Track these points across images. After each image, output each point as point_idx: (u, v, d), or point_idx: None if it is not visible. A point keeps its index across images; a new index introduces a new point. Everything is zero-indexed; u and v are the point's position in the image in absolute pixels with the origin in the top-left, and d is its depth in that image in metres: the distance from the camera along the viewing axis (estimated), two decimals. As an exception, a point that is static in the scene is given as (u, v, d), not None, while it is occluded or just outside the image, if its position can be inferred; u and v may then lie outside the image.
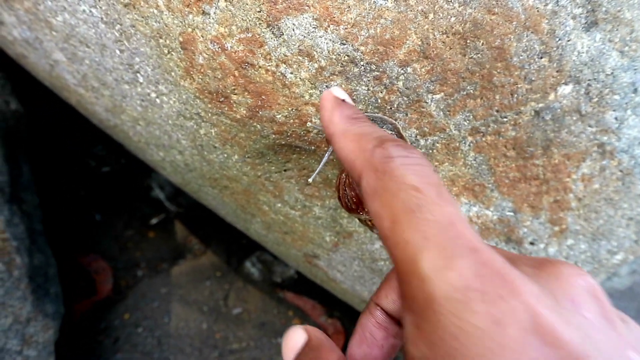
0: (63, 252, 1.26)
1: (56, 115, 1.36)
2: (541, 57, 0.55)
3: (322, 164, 0.55)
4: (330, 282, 0.89)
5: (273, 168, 0.67)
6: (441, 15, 0.52)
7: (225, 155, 0.67)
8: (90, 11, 0.61)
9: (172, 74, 0.61)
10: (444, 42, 0.53)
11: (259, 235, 0.86)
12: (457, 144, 0.61)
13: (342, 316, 1.16)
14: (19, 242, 0.90)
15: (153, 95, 0.65)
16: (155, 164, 0.86)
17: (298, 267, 0.94)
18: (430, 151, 0.61)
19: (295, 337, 0.38)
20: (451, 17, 0.52)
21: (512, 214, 0.66)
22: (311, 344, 0.38)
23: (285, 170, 0.67)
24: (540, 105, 0.58)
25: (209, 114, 0.62)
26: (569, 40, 0.54)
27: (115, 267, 1.29)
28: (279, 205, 0.73)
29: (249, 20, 0.53)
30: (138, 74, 0.64)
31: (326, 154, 0.57)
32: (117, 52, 0.63)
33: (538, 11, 0.53)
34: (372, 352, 0.42)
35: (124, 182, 1.45)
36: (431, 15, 0.52)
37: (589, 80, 0.57)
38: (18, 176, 1.07)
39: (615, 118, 0.60)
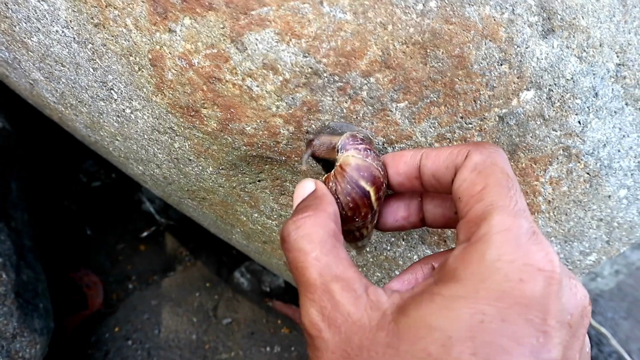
0: (54, 267, 1.27)
1: (46, 131, 1.38)
2: (501, 64, 0.56)
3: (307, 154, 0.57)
4: (313, 290, 0.90)
5: (247, 179, 0.68)
6: (400, 26, 0.53)
7: (200, 167, 0.69)
8: (63, 32, 0.62)
9: (144, 90, 0.62)
10: (404, 52, 0.55)
11: (241, 245, 0.87)
12: (425, 151, 0.62)
13: (330, 324, 1.17)
14: (5, 258, 0.91)
15: (128, 111, 0.67)
16: (137, 178, 0.88)
17: (281, 275, 0.95)
18: (399, 158, 0.63)
19: (306, 186, 0.48)
20: (410, 27, 0.54)
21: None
22: (316, 193, 0.47)
23: (259, 181, 0.68)
24: (504, 110, 0.59)
25: (182, 128, 0.63)
26: (527, 47, 0.56)
27: (107, 281, 1.30)
28: (256, 215, 0.74)
29: (214, 37, 0.54)
30: (112, 91, 0.66)
31: (305, 155, 0.57)
32: (91, 70, 0.65)
33: (495, 20, 0.54)
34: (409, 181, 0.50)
35: (115, 196, 1.46)
36: (390, 27, 0.53)
37: (550, 85, 0.58)
38: (7, 194, 1.09)
39: (579, 122, 0.61)
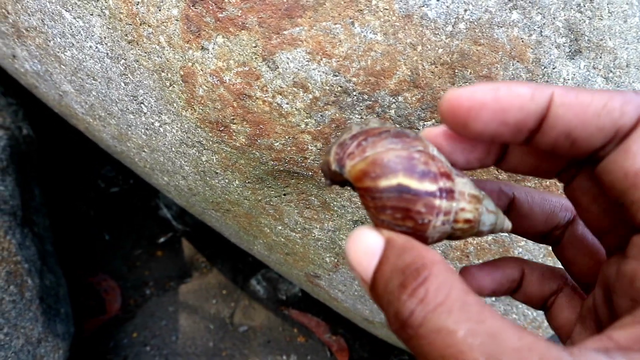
0: (73, 271, 1.29)
1: (66, 138, 1.40)
2: (528, 84, 0.57)
3: None
4: (333, 301, 0.91)
5: (273, 192, 0.69)
6: (429, 47, 0.54)
7: (227, 180, 0.70)
8: (97, 47, 0.64)
9: (174, 104, 0.63)
10: (432, 72, 0.56)
11: (262, 255, 0.89)
12: (450, 168, 0.63)
13: (346, 333, 1.18)
14: (31, 264, 0.93)
15: (157, 124, 0.68)
16: (160, 188, 0.89)
17: (301, 285, 0.96)
18: (424, 175, 0.63)
19: (366, 239, 0.29)
20: (439, 48, 0.54)
21: (506, 234, 0.68)
22: (393, 244, 0.28)
23: (284, 195, 0.69)
24: (529, 129, 0.60)
25: (210, 142, 0.65)
26: (554, 68, 0.56)
27: (124, 286, 1.32)
28: (280, 227, 0.75)
29: (246, 55, 0.55)
30: (142, 105, 0.67)
31: None
32: (122, 84, 0.66)
33: (523, 41, 0.55)
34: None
35: (132, 202, 1.48)
36: (419, 47, 0.54)
37: (576, 105, 0.59)
38: (30, 199, 1.11)
39: (604, 140, 0.61)
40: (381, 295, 0.26)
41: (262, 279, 1.29)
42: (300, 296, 1.25)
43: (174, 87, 0.62)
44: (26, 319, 0.86)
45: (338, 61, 0.55)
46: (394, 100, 0.57)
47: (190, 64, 0.58)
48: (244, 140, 0.62)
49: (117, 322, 1.22)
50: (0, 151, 1.02)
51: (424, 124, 0.59)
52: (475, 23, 0.53)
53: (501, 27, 0.54)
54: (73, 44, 0.66)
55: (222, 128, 0.62)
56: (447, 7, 0.53)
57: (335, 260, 0.76)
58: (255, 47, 0.55)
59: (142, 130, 0.72)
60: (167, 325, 1.20)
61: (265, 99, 0.58)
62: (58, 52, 0.69)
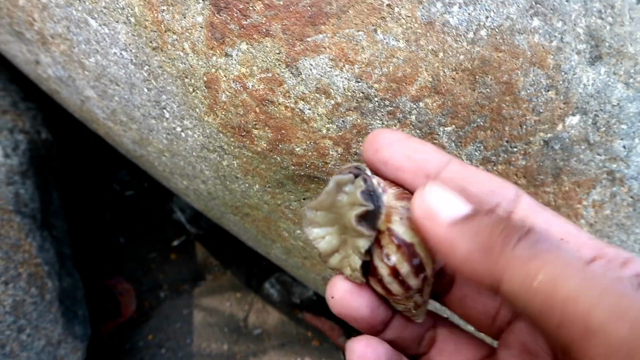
0: (89, 274, 1.30)
1: (82, 141, 1.42)
2: (548, 90, 0.57)
3: None
4: (348, 305, 0.91)
5: (292, 197, 0.70)
6: (450, 53, 0.55)
7: (247, 185, 0.71)
8: (121, 54, 0.65)
9: (197, 110, 0.64)
10: (453, 79, 0.56)
11: (279, 259, 0.89)
12: (469, 173, 0.63)
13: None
14: (50, 266, 0.94)
15: (178, 129, 0.69)
16: (179, 192, 0.90)
17: (317, 289, 0.97)
18: (443, 180, 0.64)
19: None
20: (460, 55, 0.55)
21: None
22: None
23: (304, 199, 0.70)
24: (549, 135, 0.60)
25: (232, 147, 0.66)
26: (574, 74, 0.57)
27: (139, 289, 1.33)
28: (299, 231, 0.75)
29: (269, 61, 0.56)
30: (164, 110, 0.68)
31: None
32: (145, 90, 0.67)
33: (543, 48, 0.55)
34: None
35: (147, 205, 1.50)
36: (441, 54, 0.55)
37: (596, 111, 0.59)
38: (48, 203, 1.12)
39: (624, 146, 0.61)
40: (468, 236, 0.28)
41: (275, 282, 1.30)
42: (315, 300, 1.25)
43: (197, 92, 0.63)
44: (47, 321, 0.87)
45: (360, 67, 0.55)
46: (415, 106, 0.57)
47: (213, 70, 0.59)
48: (265, 145, 0.63)
49: (133, 324, 1.23)
50: (21, 155, 1.04)
51: (444, 129, 0.59)
52: (497, 30, 0.54)
53: (522, 33, 0.54)
54: (97, 51, 0.67)
55: (244, 133, 0.63)
56: (469, 14, 0.54)
57: (353, 264, 0.77)
58: (278, 53, 0.56)
59: (164, 135, 0.73)
60: (181, 327, 1.21)
61: (288, 104, 0.58)
62: (82, 59, 0.70)
